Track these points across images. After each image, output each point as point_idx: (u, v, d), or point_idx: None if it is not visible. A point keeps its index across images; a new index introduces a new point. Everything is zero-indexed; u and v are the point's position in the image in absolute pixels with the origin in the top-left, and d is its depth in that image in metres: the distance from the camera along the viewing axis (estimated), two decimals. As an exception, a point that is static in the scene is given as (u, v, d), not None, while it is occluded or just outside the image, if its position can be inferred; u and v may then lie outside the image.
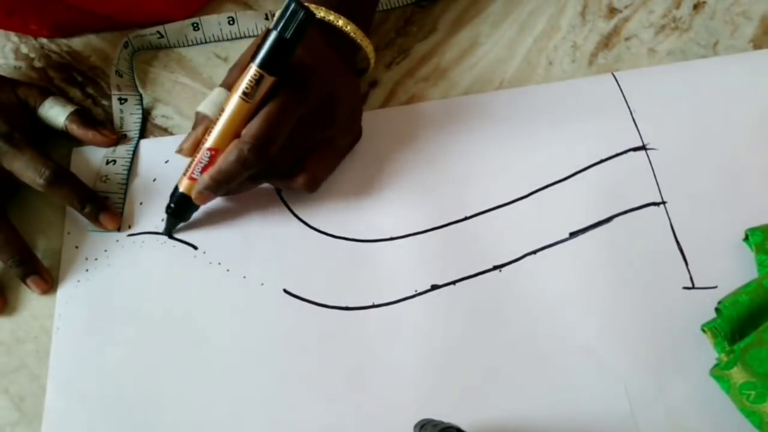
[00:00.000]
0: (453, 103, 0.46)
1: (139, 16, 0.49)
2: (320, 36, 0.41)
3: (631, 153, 0.44)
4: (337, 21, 0.41)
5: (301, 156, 0.40)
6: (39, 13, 0.48)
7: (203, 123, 0.40)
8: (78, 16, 0.48)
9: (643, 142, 0.44)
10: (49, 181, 0.40)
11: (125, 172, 0.44)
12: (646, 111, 0.45)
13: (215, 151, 0.38)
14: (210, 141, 0.38)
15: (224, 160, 0.38)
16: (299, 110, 0.38)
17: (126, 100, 0.47)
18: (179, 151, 0.40)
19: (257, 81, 0.36)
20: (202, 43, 0.50)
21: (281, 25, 0.35)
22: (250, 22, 0.50)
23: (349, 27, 0.42)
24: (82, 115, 0.44)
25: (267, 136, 0.37)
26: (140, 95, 0.48)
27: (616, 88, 0.46)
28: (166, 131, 0.46)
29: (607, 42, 0.49)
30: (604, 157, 0.44)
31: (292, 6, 0.35)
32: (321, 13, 0.41)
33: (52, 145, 0.45)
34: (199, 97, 0.48)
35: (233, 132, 0.38)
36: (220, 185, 0.38)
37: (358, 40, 0.42)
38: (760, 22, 0.49)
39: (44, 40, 0.50)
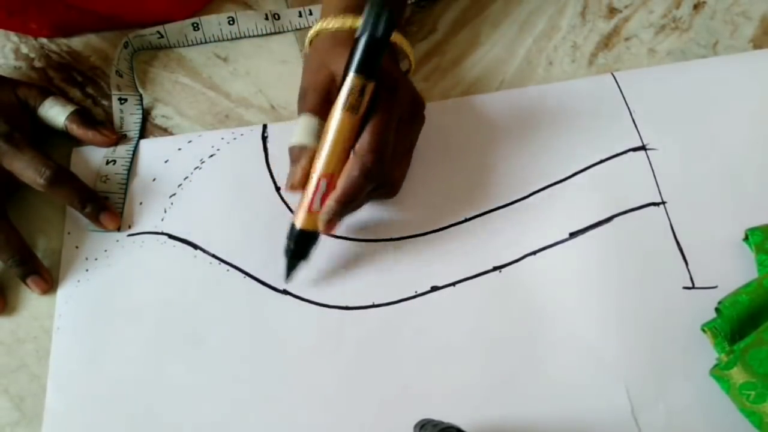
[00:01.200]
0: (452, 104, 0.46)
1: (140, 16, 0.49)
2: None
3: (631, 153, 0.44)
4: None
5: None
6: (39, 12, 0.48)
7: (306, 154, 0.38)
8: (78, 16, 0.48)
9: (642, 142, 0.44)
10: (50, 181, 0.40)
11: (125, 172, 0.44)
12: (645, 111, 0.45)
13: (331, 176, 0.37)
14: (321, 168, 0.37)
15: (347, 178, 0.36)
16: (398, 114, 0.38)
17: (126, 100, 0.47)
18: (290, 188, 0.38)
19: (361, 90, 0.35)
20: (202, 43, 0.50)
21: (370, 26, 0.35)
22: (250, 22, 0.50)
23: (396, 36, 0.40)
24: (82, 115, 0.44)
25: (384, 145, 0.36)
26: (140, 95, 0.48)
27: (616, 89, 0.46)
28: (166, 131, 0.46)
29: (607, 42, 0.49)
30: (603, 158, 0.44)
31: (376, 6, 0.34)
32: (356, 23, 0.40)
33: (52, 145, 0.45)
34: (200, 98, 0.48)
35: (345, 151, 0.37)
36: (347, 206, 0.37)
37: (403, 47, 0.41)
38: (760, 22, 0.49)
39: (44, 40, 0.50)
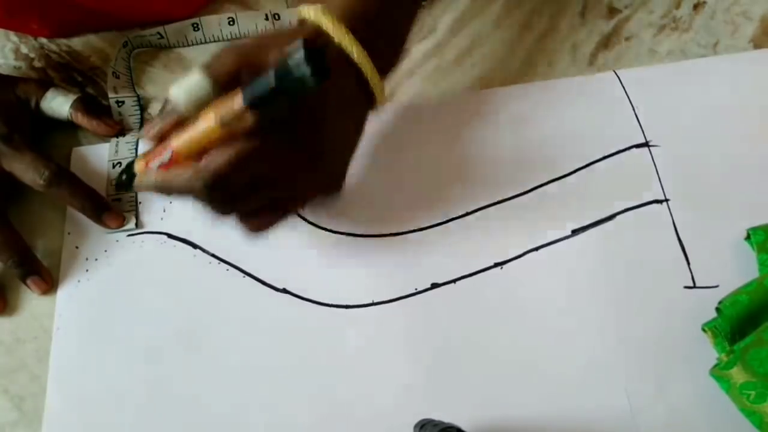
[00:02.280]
0: (455, 100, 0.46)
1: (140, 16, 0.49)
2: (338, 68, 0.34)
3: (634, 150, 0.44)
4: (351, 48, 0.35)
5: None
6: (40, 12, 0.48)
7: (172, 116, 0.34)
8: (79, 16, 0.48)
9: (645, 139, 0.44)
10: (50, 181, 0.40)
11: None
12: (648, 108, 0.45)
13: (175, 156, 0.33)
14: (175, 141, 0.33)
15: (174, 177, 0.33)
16: (278, 160, 0.34)
17: (123, 102, 0.47)
18: (145, 135, 0.35)
19: (239, 116, 0.31)
20: (202, 43, 0.50)
21: (282, 73, 0.29)
22: (250, 23, 0.50)
23: (361, 58, 0.35)
24: (86, 103, 0.45)
25: (226, 179, 0.32)
26: (137, 96, 0.48)
27: (619, 86, 0.46)
28: (166, 131, 0.46)
29: (607, 42, 0.49)
30: (606, 154, 0.44)
31: (302, 58, 0.29)
32: (333, 30, 0.34)
33: (52, 145, 0.45)
34: (199, 97, 0.48)
35: (199, 150, 0.33)
36: (161, 193, 0.35)
37: (368, 78, 0.36)
38: (760, 22, 0.49)
39: (44, 40, 0.50)
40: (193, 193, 0.33)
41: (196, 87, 0.33)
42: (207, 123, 0.32)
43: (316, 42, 0.32)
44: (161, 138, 0.34)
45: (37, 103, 0.44)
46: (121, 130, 0.46)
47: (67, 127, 0.46)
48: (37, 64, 0.49)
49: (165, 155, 0.34)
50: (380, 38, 0.36)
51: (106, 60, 0.49)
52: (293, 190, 0.36)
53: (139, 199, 0.43)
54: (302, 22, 0.36)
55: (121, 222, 0.42)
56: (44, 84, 0.45)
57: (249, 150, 0.32)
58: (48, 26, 0.49)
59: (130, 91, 0.48)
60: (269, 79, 0.30)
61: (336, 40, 0.34)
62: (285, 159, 0.34)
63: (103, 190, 0.43)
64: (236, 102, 0.31)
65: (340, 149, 0.37)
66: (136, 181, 0.35)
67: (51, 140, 0.46)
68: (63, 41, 0.50)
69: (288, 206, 0.38)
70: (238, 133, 0.32)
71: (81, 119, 0.44)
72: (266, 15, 0.50)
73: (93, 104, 0.45)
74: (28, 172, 0.40)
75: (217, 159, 0.32)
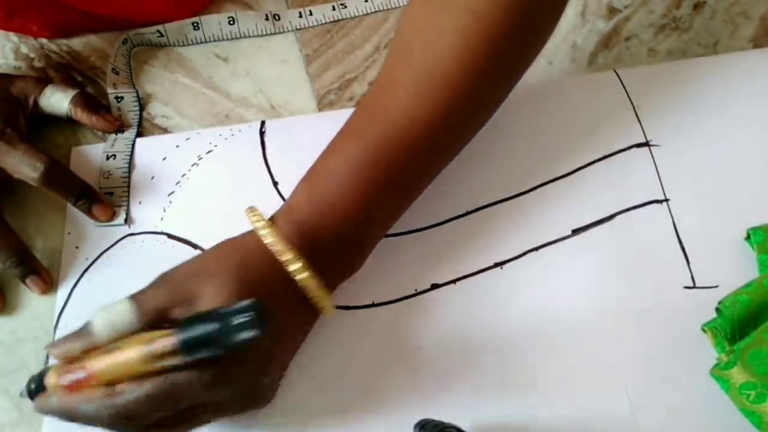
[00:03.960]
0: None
1: (140, 17, 0.49)
2: (269, 290, 0.33)
3: (634, 149, 0.44)
4: (293, 266, 0.33)
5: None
6: (40, 13, 0.48)
7: (85, 339, 0.32)
8: (78, 17, 0.48)
9: (646, 138, 0.44)
10: (44, 175, 0.40)
11: (126, 165, 0.44)
12: (649, 107, 0.45)
13: (90, 379, 0.31)
14: (94, 364, 0.31)
15: (82, 402, 0.31)
16: (197, 398, 0.31)
17: (122, 98, 0.47)
18: (50, 348, 0.33)
19: (170, 353, 0.29)
20: (201, 42, 0.50)
21: (226, 330, 0.29)
22: (250, 22, 0.50)
23: (305, 278, 0.33)
24: (85, 99, 0.45)
25: (138, 414, 0.30)
26: (136, 91, 0.48)
27: (620, 85, 0.46)
28: (165, 131, 0.46)
29: (607, 42, 0.49)
30: (607, 154, 0.43)
31: (249, 314, 0.28)
32: (277, 247, 0.33)
33: (51, 145, 0.45)
34: (200, 98, 0.48)
35: (118, 375, 0.31)
36: (60, 416, 0.31)
37: (313, 296, 0.34)
38: (760, 22, 0.49)
39: (44, 40, 0.50)
40: (98, 423, 0.31)
41: (121, 318, 0.32)
42: (131, 355, 0.30)
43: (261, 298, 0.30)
44: (69, 360, 0.32)
45: (36, 101, 0.44)
46: (120, 126, 0.46)
47: (66, 126, 0.46)
48: (37, 64, 0.49)
49: (78, 374, 0.31)
50: (334, 257, 0.35)
51: (106, 60, 0.49)
52: (214, 413, 0.34)
53: (132, 196, 0.43)
54: (249, 233, 0.35)
55: (110, 215, 0.42)
56: (42, 81, 0.45)
57: (169, 389, 0.30)
58: (48, 28, 0.49)
59: (129, 87, 0.48)
60: (208, 329, 0.29)
61: (278, 256, 0.33)
62: (209, 393, 0.31)
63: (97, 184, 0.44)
64: (167, 342, 0.29)
65: (274, 370, 0.36)
66: (37, 401, 0.32)
67: (50, 140, 0.46)
68: (63, 41, 0.50)
69: (205, 420, 0.34)
70: (160, 370, 0.30)
71: (80, 115, 0.44)
72: (266, 15, 0.50)
73: (92, 101, 0.45)
74: (21, 166, 0.40)
75: (133, 392, 0.30)
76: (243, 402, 0.34)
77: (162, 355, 0.29)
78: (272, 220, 0.35)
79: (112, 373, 0.31)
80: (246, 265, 0.32)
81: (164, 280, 0.34)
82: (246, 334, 0.28)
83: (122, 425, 0.31)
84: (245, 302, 0.29)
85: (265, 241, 0.34)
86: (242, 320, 0.29)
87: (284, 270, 0.33)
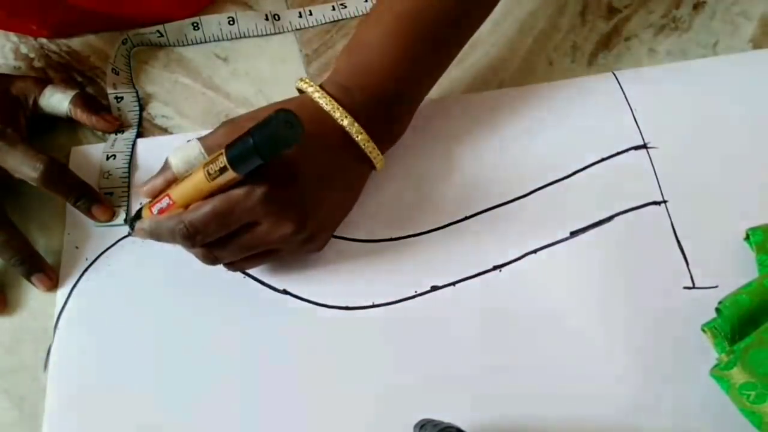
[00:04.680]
0: (453, 102, 0.46)
1: (140, 16, 0.49)
2: (319, 135, 0.37)
3: (633, 151, 0.44)
4: (343, 120, 0.38)
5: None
6: (40, 13, 0.48)
7: (166, 174, 0.38)
8: (78, 17, 0.48)
9: (644, 140, 0.44)
10: (43, 175, 0.40)
11: (126, 165, 0.44)
12: (647, 109, 0.45)
13: (171, 206, 0.36)
14: (173, 191, 0.37)
15: (165, 222, 0.36)
16: (254, 215, 0.35)
17: (122, 98, 0.47)
18: (140, 190, 0.39)
19: (222, 170, 0.34)
20: (201, 42, 0.50)
21: (260, 136, 0.32)
22: (250, 22, 0.50)
23: (354, 128, 0.38)
24: (85, 99, 0.45)
25: (205, 227, 0.35)
26: (136, 91, 0.48)
27: (617, 87, 0.46)
28: (165, 131, 0.46)
29: (607, 42, 0.49)
30: (605, 156, 0.44)
31: (278, 121, 0.32)
32: (326, 105, 0.38)
33: (51, 145, 0.45)
34: (200, 98, 0.48)
35: (190, 200, 0.36)
36: (152, 238, 0.37)
37: (362, 146, 0.38)
38: (760, 22, 0.49)
39: (44, 40, 0.50)
40: (175, 240, 0.36)
41: (191, 153, 0.37)
42: (197, 177, 0.35)
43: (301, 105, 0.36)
44: (153, 195, 0.38)
45: (36, 101, 0.44)
46: (120, 126, 0.46)
47: (66, 126, 0.46)
48: (36, 64, 0.49)
49: (163, 202, 0.37)
50: (375, 118, 0.39)
51: (106, 60, 0.49)
52: (274, 242, 0.37)
53: (132, 196, 0.43)
54: (299, 96, 0.40)
55: (110, 215, 0.42)
56: (42, 81, 0.45)
57: (226, 204, 0.35)
58: (47, 27, 0.49)
59: (129, 87, 0.48)
60: (247, 139, 0.32)
61: (329, 111, 0.38)
62: (265, 214, 0.36)
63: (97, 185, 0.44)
64: (221, 160, 0.34)
65: (329, 213, 0.39)
66: (137, 227, 0.38)
67: (50, 140, 0.46)
68: (63, 41, 0.50)
69: (264, 260, 0.40)
70: (222, 188, 0.35)
71: (80, 115, 0.44)
72: (266, 15, 0.50)
73: (92, 101, 0.45)
74: (22, 166, 0.40)
75: (197, 210, 0.35)
76: (297, 233, 0.37)
77: (218, 172, 0.34)
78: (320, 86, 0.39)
79: (186, 196, 0.36)
80: (299, 113, 0.33)
81: (227, 123, 0.38)
82: (282, 139, 0.32)
83: (192, 240, 0.35)
84: (274, 114, 0.32)
85: (316, 98, 0.38)
86: (274, 127, 0.32)
87: (332, 122, 0.38)
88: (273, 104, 0.39)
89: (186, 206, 0.36)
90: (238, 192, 0.35)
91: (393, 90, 0.39)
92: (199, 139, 0.38)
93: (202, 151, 0.37)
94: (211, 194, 0.35)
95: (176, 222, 0.35)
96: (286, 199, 0.36)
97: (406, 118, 0.42)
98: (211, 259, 0.38)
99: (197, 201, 0.36)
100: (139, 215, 0.38)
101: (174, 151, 0.38)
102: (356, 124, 0.38)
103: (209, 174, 0.34)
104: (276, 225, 0.36)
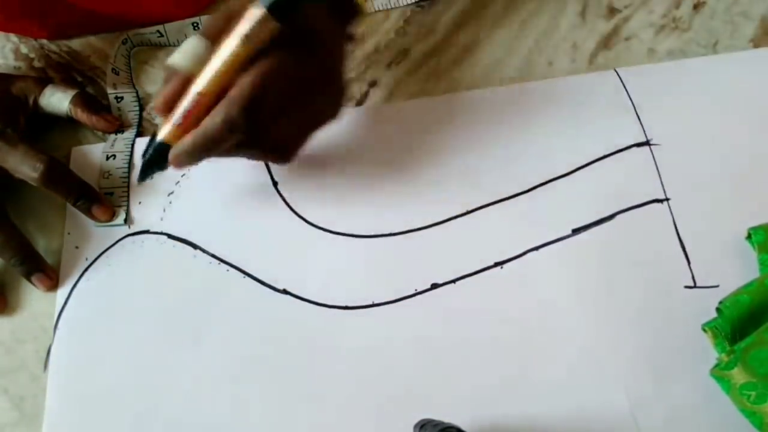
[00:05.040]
0: (455, 98, 0.46)
1: (140, 16, 0.49)
2: (324, 4, 0.37)
3: (635, 149, 0.44)
4: None
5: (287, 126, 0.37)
6: (40, 14, 0.48)
7: (177, 77, 0.35)
8: (78, 17, 0.48)
9: (647, 137, 0.44)
10: (44, 175, 0.40)
11: (126, 165, 0.44)
12: (649, 106, 0.45)
13: (203, 97, 0.34)
14: (197, 84, 0.34)
15: (210, 121, 0.34)
16: (298, 74, 0.36)
17: (122, 98, 0.47)
18: (155, 109, 0.36)
19: (261, 23, 0.32)
20: (202, 42, 0.50)
21: None
22: (250, 22, 0.50)
23: None
24: (85, 99, 0.45)
25: (258, 98, 0.34)
26: (136, 91, 0.48)
27: (620, 84, 0.46)
28: (166, 131, 0.46)
29: (607, 42, 0.49)
30: (607, 153, 0.43)
31: None
32: None
33: (51, 145, 0.45)
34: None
35: (226, 79, 0.34)
36: (202, 151, 0.35)
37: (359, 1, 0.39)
38: (760, 22, 0.49)
39: (44, 41, 0.50)
40: (233, 127, 0.34)
41: (194, 48, 0.35)
42: (229, 46, 0.33)
43: None
44: (170, 106, 0.35)
45: (36, 101, 0.44)
46: (120, 126, 0.46)
47: (66, 126, 0.46)
48: (37, 64, 0.49)
49: (186, 102, 0.34)
50: None
51: (106, 60, 0.49)
52: (313, 108, 0.38)
53: (131, 196, 0.43)
54: None
55: (110, 215, 0.42)
56: (42, 81, 0.45)
57: (276, 63, 0.34)
58: (48, 29, 0.49)
59: (129, 87, 0.48)
60: None
61: None
62: (304, 72, 0.36)
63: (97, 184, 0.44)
64: (255, 14, 0.32)
65: (339, 63, 0.39)
66: (171, 155, 0.35)
67: (51, 140, 0.46)
68: (63, 42, 0.50)
69: (310, 127, 0.40)
70: (261, 49, 0.33)
71: (80, 115, 0.44)
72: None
73: (92, 101, 0.45)
74: (22, 166, 0.40)
75: (243, 82, 0.33)
76: (329, 98, 0.39)
77: (257, 28, 0.32)
78: None
79: (220, 76, 0.34)
80: None
81: (219, 11, 0.36)
82: None
83: (254, 116, 0.34)
84: None
85: None
86: None
87: None
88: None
89: (218, 94, 0.34)
90: (280, 52, 0.34)
91: None
92: (197, 33, 0.36)
93: (205, 41, 0.35)
94: (243, 66, 0.34)
95: (226, 109, 0.33)
96: (318, 56, 0.36)
97: None
98: (263, 136, 0.36)
99: (232, 81, 0.34)
100: (157, 151, 0.36)
101: (173, 56, 0.35)
102: None
103: (245, 36, 0.32)
104: (316, 83, 0.37)
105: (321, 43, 0.37)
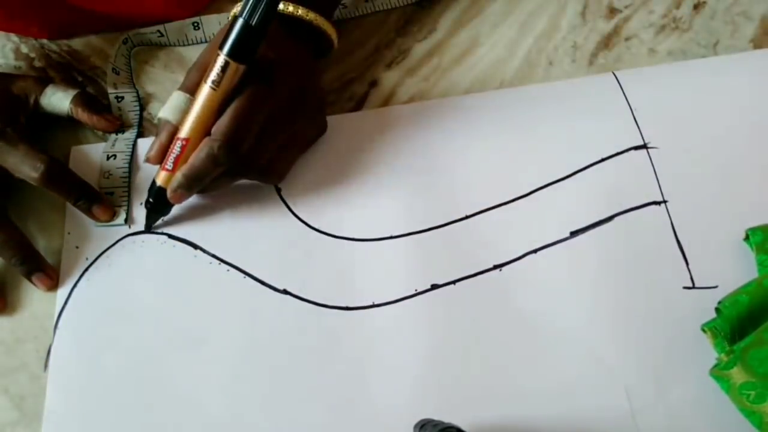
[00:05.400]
0: (454, 102, 0.46)
1: (140, 16, 0.49)
2: (280, 28, 0.41)
3: (632, 152, 0.44)
4: (296, 11, 0.41)
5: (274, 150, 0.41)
6: (41, 14, 0.48)
7: (166, 129, 0.40)
8: (79, 17, 0.48)
9: (644, 140, 0.44)
10: (44, 174, 0.40)
11: (126, 165, 0.44)
12: (647, 110, 0.45)
13: (187, 142, 0.38)
14: (182, 132, 0.39)
15: (196, 157, 0.38)
16: (269, 104, 0.38)
17: (122, 98, 0.47)
18: (146, 159, 0.41)
19: (224, 68, 0.37)
20: (202, 42, 0.50)
21: (247, 11, 0.36)
22: (250, 22, 0.50)
23: (309, 16, 0.41)
24: (86, 98, 0.45)
25: (236, 133, 0.37)
26: (137, 91, 0.48)
27: (617, 87, 0.46)
28: (166, 131, 0.46)
29: (607, 42, 0.49)
30: (605, 156, 0.44)
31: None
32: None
33: (52, 144, 0.45)
34: (199, 97, 0.48)
35: (205, 123, 0.38)
36: (193, 183, 0.39)
37: (321, 26, 0.42)
38: (760, 22, 0.49)
39: (44, 40, 0.50)
40: (216, 160, 0.38)
41: (177, 101, 0.40)
42: (203, 94, 0.37)
43: None
44: (162, 155, 0.40)
45: (36, 100, 0.44)
46: (120, 126, 0.46)
47: (66, 125, 0.46)
48: (37, 64, 0.49)
49: (175, 149, 0.39)
50: None
51: (107, 60, 0.49)
52: (292, 129, 0.41)
53: (132, 196, 0.43)
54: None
55: (110, 215, 0.42)
56: (43, 81, 0.45)
57: (246, 99, 0.37)
58: (49, 29, 0.49)
59: (129, 87, 0.48)
60: (238, 23, 0.36)
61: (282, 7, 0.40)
62: (276, 100, 0.39)
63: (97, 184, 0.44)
64: (219, 61, 0.37)
65: (311, 81, 0.42)
66: (168, 192, 0.39)
67: (51, 139, 0.46)
68: (63, 41, 0.50)
69: (294, 147, 0.43)
70: (231, 90, 0.37)
71: (81, 114, 0.44)
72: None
73: (93, 101, 0.45)
74: (22, 166, 0.40)
75: (222, 121, 0.37)
76: (307, 118, 0.42)
77: (220, 74, 0.37)
78: None
79: (199, 124, 0.38)
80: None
81: (192, 66, 0.42)
82: (262, 9, 0.36)
83: (236, 150, 0.38)
84: None
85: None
86: (253, 2, 0.36)
87: (293, 18, 0.41)
88: (210, 44, 0.43)
89: (201, 136, 0.38)
90: (248, 89, 0.37)
91: None
92: (179, 89, 0.40)
93: (187, 95, 0.40)
94: (220, 108, 0.38)
95: (208, 146, 0.37)
96: (289, 82, 0.39)
97: None
98: (249, 164, 0.39)
99: (211, 123, 0.38)
100: (153, 190, 0.40)
101: (161, 110, 0.40)
102: (300, 7, 0.41)
103: (213, 83, 0.37)
104: (291, 109, 0.40)
105: (288, 69, 0.40)
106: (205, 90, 0.37)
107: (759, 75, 0.46)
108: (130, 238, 0.42)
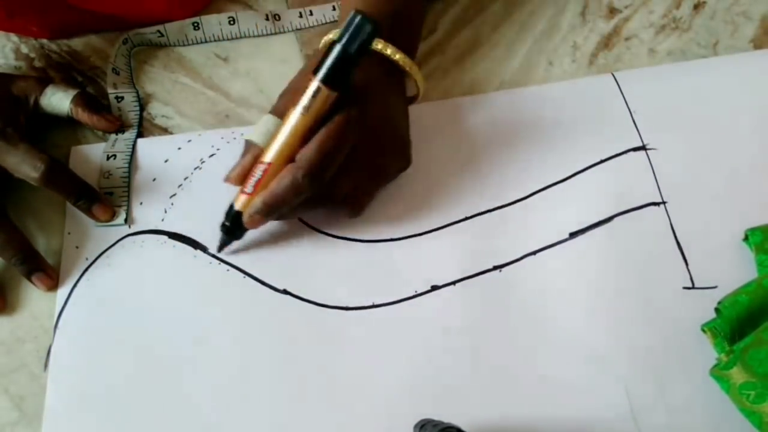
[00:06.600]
0: (452, 104, 0.46)
1: (140, 17, 0.49)
2: (373, 62, 0.39)
3: (631, 153, 0.44)
4: (386, 50, 0.40)
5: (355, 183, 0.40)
6: (40, 14, 0.48)
7: (252, 151, 0.39)
8: (78, 17, 0.48)
9: (643, 142, 0.44)
10: (44, 174, 0.40)
11: (126, 165, 0.44)
12: (646, 111, 0.45)
13: (269, 166, 0.37)
14: (266, 156, 0.37)
15: (278, 184, 0.37)
16: (356, 135, 0.37)
17: (122, 98, 0.47)
18: (227, 179, 0.39)
19: (315, 94, 0.36)
20: (202, 42, 0.50)
21: (346, 38, 0.35)
22: (251, 22, 0.50)
23: (397, 56, 0.40)
24: (86, 99, 0.45)
25: (321, 162, 0.36)
26: (137, 91, 0.48)
27: (616, 89, 0.46)
28: (166, 131, 0.46)
29: (607, 42, 0.49)
30: (604, 158, 0.44)
31: (358, 19, 0.34)
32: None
33: (51, 144, 0.45)
34: (200, 98, 0.48)
35: (290, 148, 0.37)
36: (272, 210, 0.37)
37: (407, 69, 0.41)
38: (760, 22, 0.49)
39: (44, 40, 0.50)
40: (299, 189, 0.36)
41: (266, 125, 0.38)
42: (293, 119, 0.36)
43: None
44: (243, 177, 0.38)
45: (36, 100, 0.44)
46: (120, 126, 0.46)
47: (66, 125, 0.46)
48: (37, 64, 0.49)
49: (257, 172, 0.37)
50: (402, 33, 0.41)
51: (106, 60, 0.49)
52: (377, 162, 0.40)
53: (132, 196, 0.43)
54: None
55: (110, 215, 0.42)
56: (43, 81, 0.45)
57: (335, 128, 0.36)
58: (48, 28, 0.49)
59: (129, 87, 0.48)
60: (335, 49, 0.35)
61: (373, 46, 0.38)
62: (364, 130, 0.38)
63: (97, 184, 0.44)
64: (312, 86, 0.36)
65: (398, 116, 0.42)
66: (245, 217, 0.38)
67: (50, 139, 0.46)
68: (63, 41, 0.50)
69: (377, 181, 0.42)
70: (321, 117, 0.36)
71: (81, 114, 0.44)
72: (266, 15, 0.50)
73: (93, 101, 0.45)
74: (22, 165, 0.40)
75: (307, 149, 0.36)
76: (392, 153, 0.41)
77: (311, 99, 0.36)
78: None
79: (285, 149, 0.37)
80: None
81: (284, 90, 0.41)
82: (365, 32, 0.35)
83: (319, 179, 0.36)
84: (348, 19, 0.35)
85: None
86: (353, 27, 0.35)
87: (383, 57, 0.40)
88: (302, 70, 0.42)
89: (285, 162, 0.37)
90: (337, 117, 0.36)
91: (407, 10, 0.42)
92: (269, 112, 0.39)
93: (277, 120, 0.38)
94: (307, 135, 0.36)
95: (292, 174, 0.36)
96: (377, 116, 0.39)
97: (416, 33, 0.45)
98: (331, 196, 0.38)
99: (296, 149, 0.37)
100: (231, 212, 0.39)
101: (249, 134, 0.39)
102: (399, 53, 0.40)
103: (304, 108, 0.36)
104: (377, 142, 0.39)
105: (377, 100, 0.39)
106: (295, 115, 0.36)
107: (759, 75, 0.46)
108: (130, 238, 0.42)
